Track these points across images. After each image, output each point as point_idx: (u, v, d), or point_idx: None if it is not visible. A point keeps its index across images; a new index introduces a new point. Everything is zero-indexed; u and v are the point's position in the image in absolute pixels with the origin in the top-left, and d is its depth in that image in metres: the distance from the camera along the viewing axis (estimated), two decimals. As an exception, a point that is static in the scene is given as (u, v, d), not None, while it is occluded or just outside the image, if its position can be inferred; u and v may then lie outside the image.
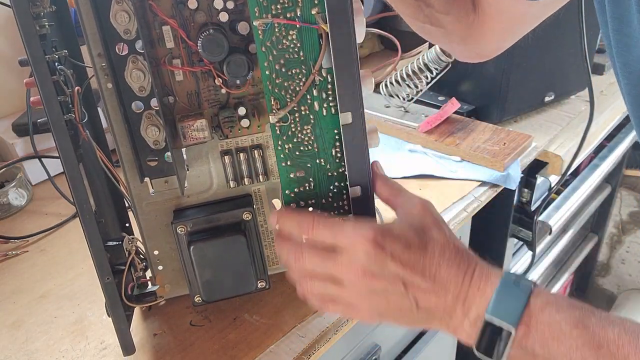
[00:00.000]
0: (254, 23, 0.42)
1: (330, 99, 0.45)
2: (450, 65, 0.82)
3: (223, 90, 0.48)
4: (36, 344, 0.55)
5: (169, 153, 0.48)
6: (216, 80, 0.47)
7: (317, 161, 0.47)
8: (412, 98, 0.88)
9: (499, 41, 0.61)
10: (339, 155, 0.47)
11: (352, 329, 0.57)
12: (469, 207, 0.72)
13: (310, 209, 0.48)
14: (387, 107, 0.91)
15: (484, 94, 0.89)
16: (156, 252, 0.54)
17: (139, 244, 0.54)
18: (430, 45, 0.85)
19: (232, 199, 0.53)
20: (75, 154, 0.43)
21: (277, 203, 0.55)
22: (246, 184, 0.52)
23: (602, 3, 0.45)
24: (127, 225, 0.58)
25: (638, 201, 1.60)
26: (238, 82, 0.46)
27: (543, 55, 0.87)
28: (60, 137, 0.41)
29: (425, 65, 0.84)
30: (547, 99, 0.92)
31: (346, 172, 0.46)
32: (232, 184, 0.52)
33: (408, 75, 0.86)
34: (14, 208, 0.79)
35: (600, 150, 1.22)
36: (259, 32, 0.42)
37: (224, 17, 0.45)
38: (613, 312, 1.69)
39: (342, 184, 0.48)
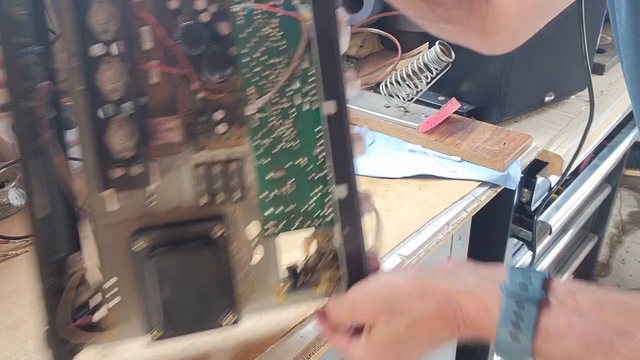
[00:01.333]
0: (232, 9, 0.41)
1: (312, 92, 0.44)
2: (450, 65, 0.82)
3: (201, 95, 0.44)
4: (36, 344, 0.55)
5: (136, 165, 0.43)
6: (194, 85, 0.43)
7: (298, 161, 0.45)
8: (412, 98, 0.88)
9: (518, 27, 0.60)
10: (321, 155, 0.45)
11: (352, 329, 0.57)
12: (469, 207, 0.72)
13: (289, 219, 0.45)
14: (387, 107, 0.91)
15: (484, 94, 0.89)
16: (113, 280, 0.45)
17: (95, 272, 0.46)
18: (431, 45, 0.85)
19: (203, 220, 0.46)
20: (33, 139, 0.40)
21: (255, 227, 0.47)
22: (220, 201, 0.46)
23: None
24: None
25: (638, 201, 1.61)
26: (218, 76, 0.43)
27: (543, 55, 0.87)
28: (16, 102, 0.39)
29: (425, 65, 0.84)
30: (547, 99, 0.92)
31: (329, 174, 0.44)
32: (204, 198, 0.45)
33: (408, 75, 0.86)
34: (14, 208, 0.79)
35: (600, 150, 1.22)
36: (239, 18, 0.42)
37: (205, 17, 0.43)
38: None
39: (325, 191, 0.46)
